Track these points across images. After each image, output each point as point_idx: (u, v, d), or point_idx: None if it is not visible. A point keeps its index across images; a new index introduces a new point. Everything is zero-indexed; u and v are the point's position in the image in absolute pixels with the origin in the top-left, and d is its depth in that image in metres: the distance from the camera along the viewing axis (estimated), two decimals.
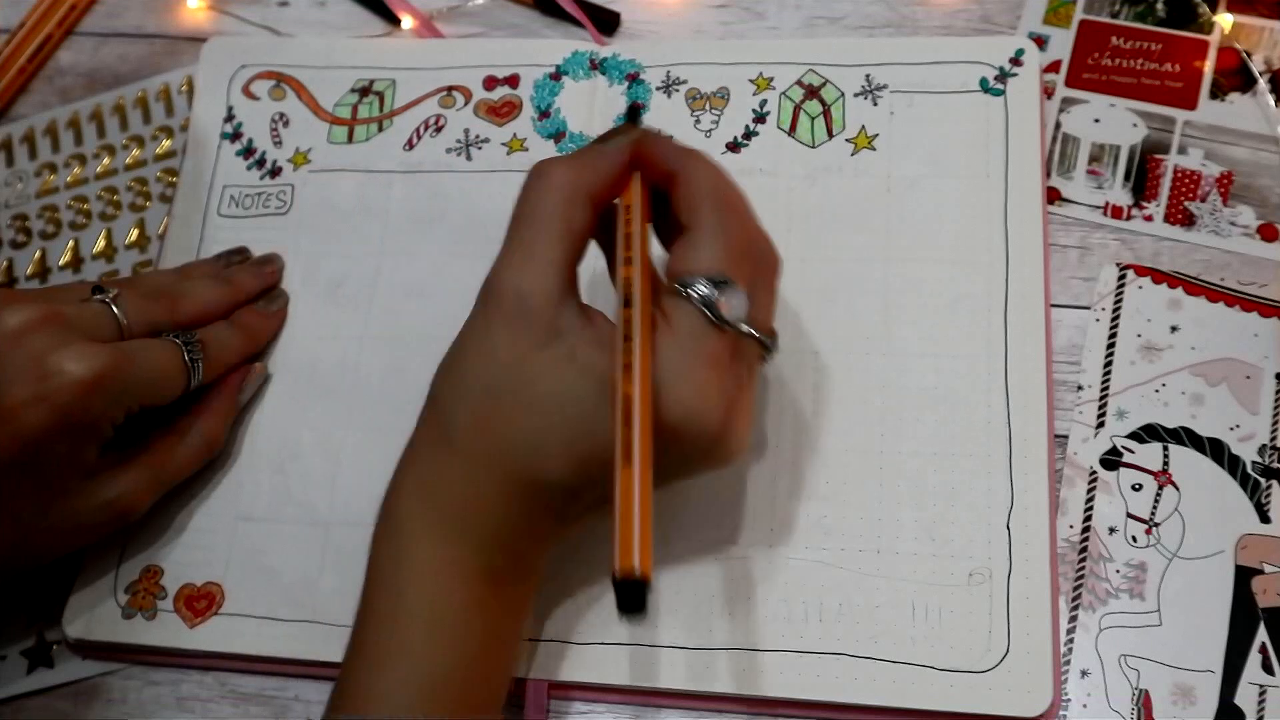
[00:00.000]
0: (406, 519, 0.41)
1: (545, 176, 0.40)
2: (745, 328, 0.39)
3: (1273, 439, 0.47)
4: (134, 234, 0.58)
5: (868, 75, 0.54)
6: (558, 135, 0.55)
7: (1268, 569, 0.45)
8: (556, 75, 0.57)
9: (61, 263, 0.58)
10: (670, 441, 0.38)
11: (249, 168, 0.57)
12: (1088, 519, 0.47)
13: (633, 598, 0.33)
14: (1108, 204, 0.52)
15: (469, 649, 0.40)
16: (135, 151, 0.60)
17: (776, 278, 0.43)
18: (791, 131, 0.54)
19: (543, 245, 0.40)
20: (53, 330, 0.44)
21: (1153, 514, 0.46)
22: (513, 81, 0.57)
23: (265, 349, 0.53)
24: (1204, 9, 0.55)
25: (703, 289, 0.38)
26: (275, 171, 0.57)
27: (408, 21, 0.61)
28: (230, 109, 0.59)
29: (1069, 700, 0.44)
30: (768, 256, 0.42)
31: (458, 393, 0.41)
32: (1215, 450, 0.47)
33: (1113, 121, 0.53)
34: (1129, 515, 0.46)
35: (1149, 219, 0.52)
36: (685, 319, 0.38)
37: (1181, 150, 0.53)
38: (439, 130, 0.57)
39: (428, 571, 0.40)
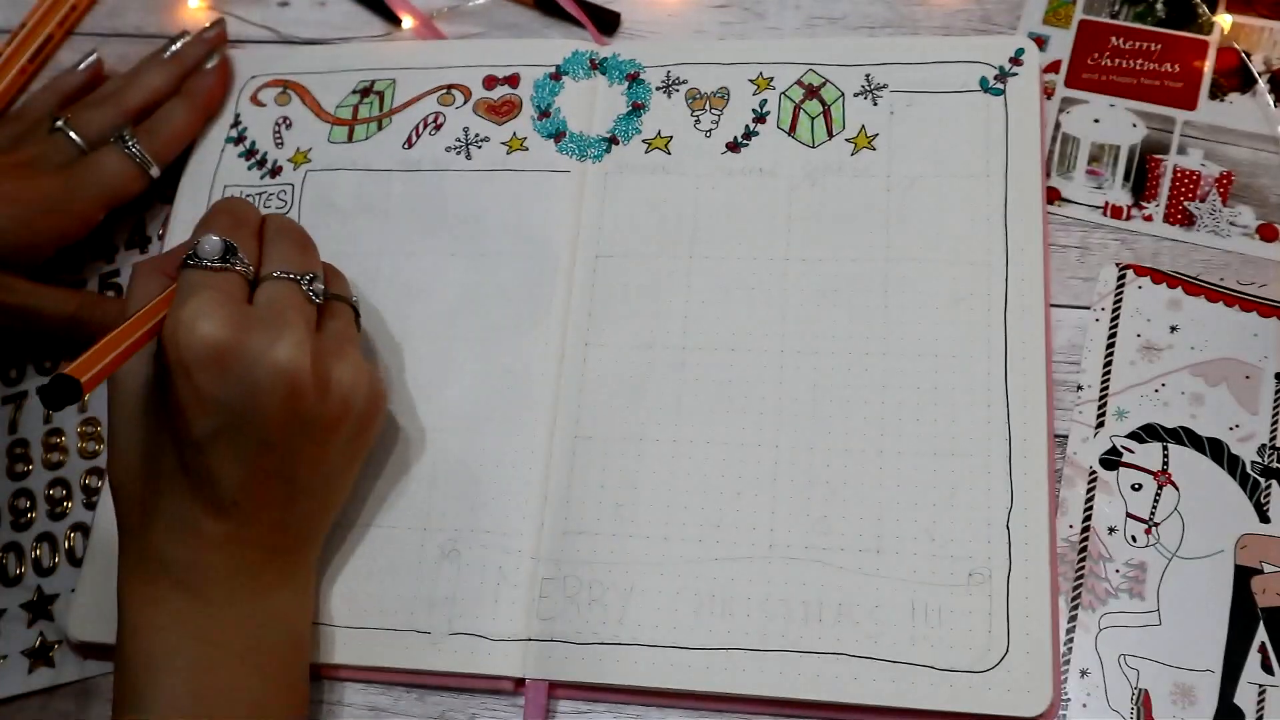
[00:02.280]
0: (119, 585, 0.44)
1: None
2: (224, 262, 0.44)
3: (1272, 439, 0.47)
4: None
5: (868, 75, 0.54)
6: (557, 135, 0.56)
7: (1267, 569, 0.45)
8: (556, 75, 0.57)
9: None
10: (193, 360, 0.41)
11: (249, 168, 0.58)
12: (1087, 519, 0.47)
13: (61, 393, 0.38)
14: (1107, 204, 0.52)
15: (185, 660, 0.42)
16: None
17: (300, 245, 0.47)
18: (791, 131, 0.54)
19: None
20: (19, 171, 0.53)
21: (1152, 514, 0.46)
22: (513, 81, 0.57)
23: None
24: (1204, 9, 0.55)
25: (192, 251, 0.44)
26: (275, 171, 0.57)
27: (408, 21, 0.61)
28: (237, 115, 0.59)
29: (1069, 700, 0.44)
30: (285, 229, 0.47)
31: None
32: (1215, 450, 0.47)
33: (1112, 121, 0.54)
34: (1129, 515, 0.46)
35: (1149, 219, 0.52)
36: (185, 275, 0.44)
37: (1181, 150, 0.53)
38: (438, 128, 0.57)
39: (133, 614, 0.43)
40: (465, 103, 0.57)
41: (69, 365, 0.38)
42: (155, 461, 0.43)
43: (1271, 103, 0.53)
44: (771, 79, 0.55)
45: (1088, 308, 0.50)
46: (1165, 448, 0.47)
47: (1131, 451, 0.47)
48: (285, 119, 0.58)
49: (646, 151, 0.55)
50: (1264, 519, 0.46)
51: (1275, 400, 0.47)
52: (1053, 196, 0.53)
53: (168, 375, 0.42)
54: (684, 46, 0.57)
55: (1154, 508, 0.46)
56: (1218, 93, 0.54)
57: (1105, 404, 0.48)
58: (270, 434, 0.42)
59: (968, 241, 0.50)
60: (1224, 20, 0.55)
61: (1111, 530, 0.46)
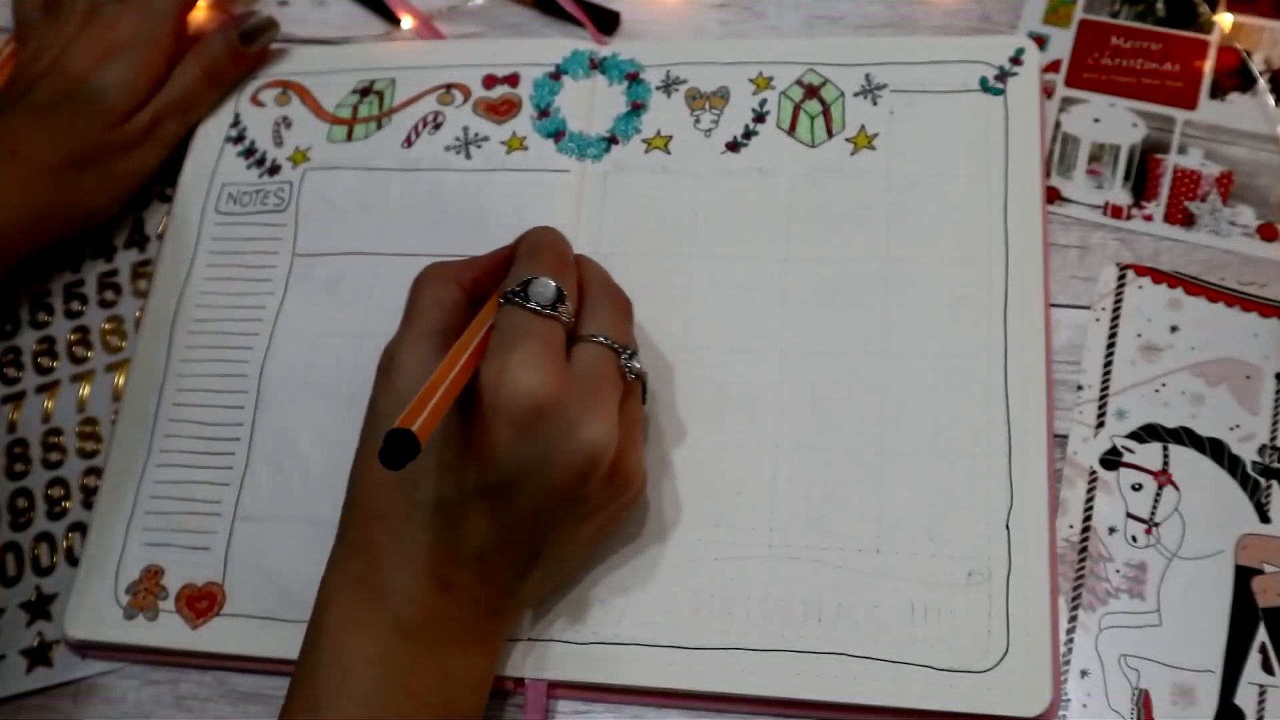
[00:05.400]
0: (326, 588, 0.43)
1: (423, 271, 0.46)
2: (553, 310, 0.41)
3: (1273, 439, 0.47)
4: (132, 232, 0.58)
5: (867, 75, 0.54)
6: (557, 134, 0.55)
7: (1268, 569, 0.45)
8: (556, 74, 0.57)
9: None
10: (508, 412, 0.39)
11: (248, 167, 0.58)
12: (1088, 519, 0.47)
13: (399, 450, 0.36)
14: (1107, 204, 0.52)
15: (381, 699, 0.40)
16: None
17: (622, 312, 0.45)
18: (791, 131, 0.54)
19: (416, 319, 0.44)
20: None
21: (1152, 514, 0.46)
22: (512, 80, 0.57)
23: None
24: (1204, 9, 0.55)
25: (520, 288, 0.42)
26: (274, 170, 0.57)
27: (408, 21, 0.61)
28: (237, 115, 0.59)
29: (1069, 700, 0.44)
30: (610, 290, 0.46)
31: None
32: (1215, 450, 0.47)
33: (1112, 121, 0.53)
34: (1129, 515, 0.46)
35: (1149, 219, 0.52)
36: (510, 314, 0.42)
37: (1181, 150, 0.53)
38: (437, 128, 0.57)
39: (337, 629, 0.41)
40: (465, 102, 0.57)
41: (398, 420, 0.36)
42: (412, 490, 0.41)
43: (1272, 102, 0.53)
44: (771, 79, 0.55)
45: (1088, 308, 0.50)
46: (1165, 448, 0.47)
47: (1132, 451, 0.47)
48: (285, 119, 0.58)
49: (646, 151, 0.55)
50: (1264, 519, 0.46)
51: (1275, 400, 0.47)
52: (1053, 196, 0.52)
53: (471, 416, 0.40)
54: (684, 46, 0.57)
55: (1154, 508, 0.46)
56: (1218, 92, 0.54)
57: (1105, 404, 0.48)
58: (545, 504, 0.40)
59: (968, 241, 0.50)
60: (1224, 20, 0.55)
61: (1112, 530, 0.46)
